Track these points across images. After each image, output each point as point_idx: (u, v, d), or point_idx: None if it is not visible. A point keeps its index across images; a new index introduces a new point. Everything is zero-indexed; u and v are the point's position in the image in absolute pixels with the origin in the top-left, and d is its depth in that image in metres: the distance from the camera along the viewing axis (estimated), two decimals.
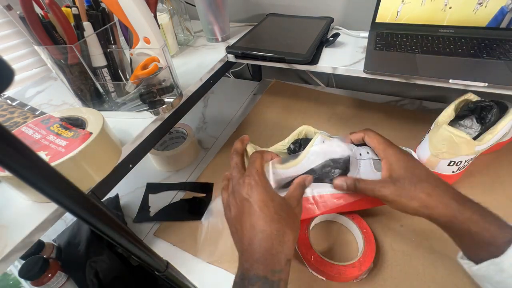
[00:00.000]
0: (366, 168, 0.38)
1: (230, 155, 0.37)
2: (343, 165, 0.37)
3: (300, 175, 0.36)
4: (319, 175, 0.37)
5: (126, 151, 0.39)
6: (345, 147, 0.38)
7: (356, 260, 0.40)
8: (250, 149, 0.41)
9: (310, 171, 0.36)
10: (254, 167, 0.33)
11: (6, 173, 0.28)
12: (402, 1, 0.55)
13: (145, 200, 0.57)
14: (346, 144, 0.38)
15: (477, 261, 0.28)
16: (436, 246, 0.43)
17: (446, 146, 0.44)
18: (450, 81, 0.43)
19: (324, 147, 0.37)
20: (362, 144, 0.41)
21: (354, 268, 0.39)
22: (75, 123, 0.34)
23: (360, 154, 0.39)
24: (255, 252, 0.28)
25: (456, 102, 0.49)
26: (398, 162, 0.33)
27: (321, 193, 0.38)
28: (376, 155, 0.39)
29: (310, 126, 0.42)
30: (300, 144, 0.42)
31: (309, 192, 0.38)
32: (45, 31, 0.36)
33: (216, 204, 0.54)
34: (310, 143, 0.37)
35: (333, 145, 0.38)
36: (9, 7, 0.34)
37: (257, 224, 0.29)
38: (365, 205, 0.41)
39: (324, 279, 0.41)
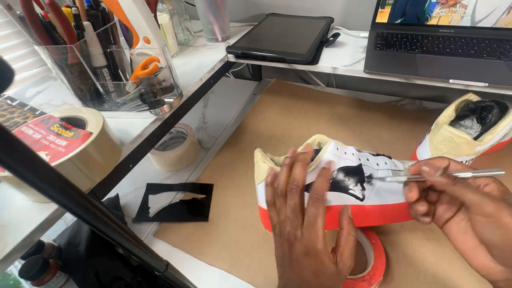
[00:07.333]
0: None
1: (291, 178, 0.31)
2: (358, 175, 0.36)
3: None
4: (334, 183, 0.36)
5: (126, 151, 0.39)
6: (359, 155, 0.37)
7: (366, 274, 0.38)
8: (262, 157, 0.38)
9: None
10: (316, 230, 0.29)
11: (6, 173, 0.28)
12: None
13: (145, 201, 0.57)
14: (360, 153, 0.38)
15: None
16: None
17: (446, 146, 0.44)
18: (450, 81, 0.43)
19: (338, 154, 0.36)
20: (378, 153, 0.40)
21: (364, 282, 0.37)
22: (75, 123, 0.34)
23: (377, 164, 0.37)
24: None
25: (457, 102, 0.49)
26: None
27: (339, 203, 0.36)
28: (396, 165, 0.37)
29: (324, 135, 0.40)
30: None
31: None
32: (45, 31, 0.36)
33: (218, 206, 0.54)
34: (324, 148, 0.36)
35: (347, 152, 0.37)
36: (9, 7, 0.34)
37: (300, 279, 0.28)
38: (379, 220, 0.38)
39: None
